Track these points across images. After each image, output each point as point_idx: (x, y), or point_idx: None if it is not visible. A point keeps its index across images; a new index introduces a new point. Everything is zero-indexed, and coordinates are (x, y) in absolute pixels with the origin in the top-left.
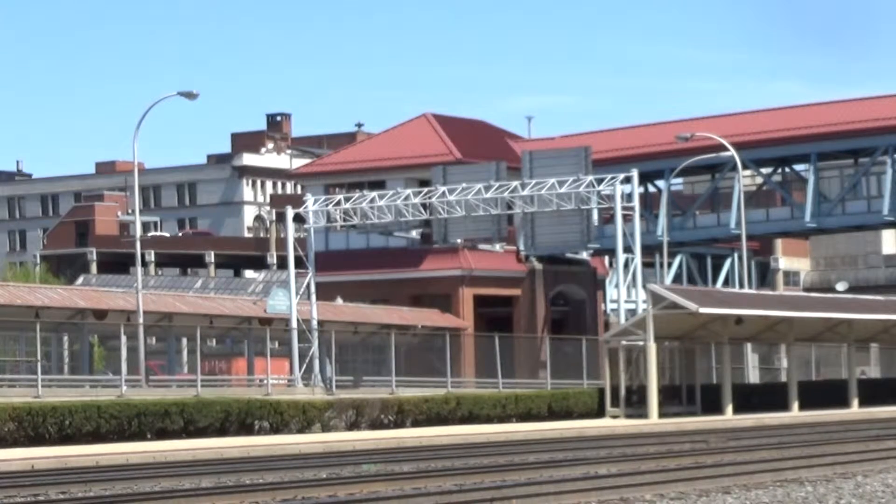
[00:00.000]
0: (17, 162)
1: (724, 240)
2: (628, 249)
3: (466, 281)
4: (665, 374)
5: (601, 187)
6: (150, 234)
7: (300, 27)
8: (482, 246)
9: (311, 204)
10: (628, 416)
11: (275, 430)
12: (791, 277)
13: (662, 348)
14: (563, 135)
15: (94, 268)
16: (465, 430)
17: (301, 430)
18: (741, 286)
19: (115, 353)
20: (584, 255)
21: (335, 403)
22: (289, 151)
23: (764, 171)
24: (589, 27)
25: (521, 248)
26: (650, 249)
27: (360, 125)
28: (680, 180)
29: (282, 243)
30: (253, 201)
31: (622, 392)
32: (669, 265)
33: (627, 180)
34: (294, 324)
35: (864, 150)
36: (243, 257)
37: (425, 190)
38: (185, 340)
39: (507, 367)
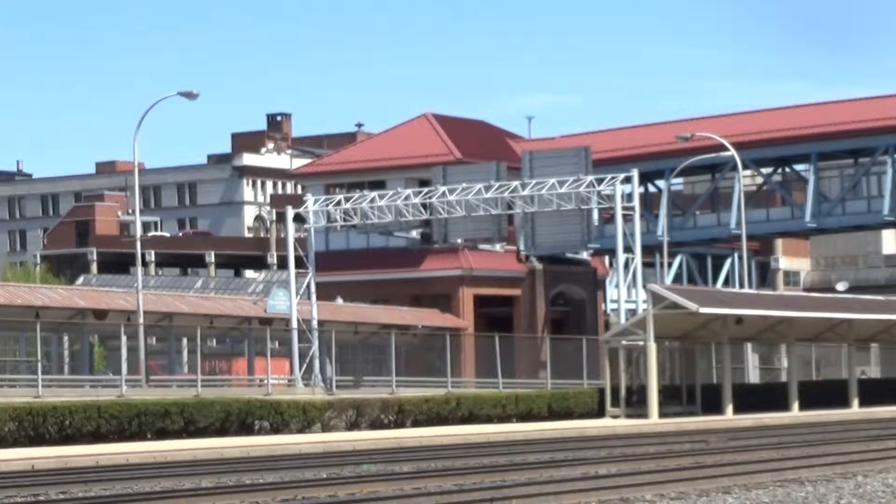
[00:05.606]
0: (17, 162)
1: (724, 240)
2: (628, 249)
3: (466, 281)
4: (665, 374)
5: (601, 187)
6: (150, 234)
7: (300, 27)
8: (482, 246)
9: (312, 204)
10: (628, 416)
11: (275, 430)
12: (791, 277)
13: (662, 348)
14: (563, 135)
15: (94, 268)
16: (465, 430)
17: (301, 430)
18: (741, 286)
19: (116, 353)
20: (585, 255)
21: (335, 403)
22: (289, 151)
23: (764, 171)
24: (589, 27)
25: (522, 248)
26: (650, 249)
27: (360, 125)
28: (680, 180)
29: (282, 243)
30: (253, 201)
31: (622, 392)
32: (669, 265)
33: (627, 180)
34: (294, 324)
35: (865, 150)
36: (243, 257)
37: (425, 190)
38: (185, 340)
39: (508, 367)
